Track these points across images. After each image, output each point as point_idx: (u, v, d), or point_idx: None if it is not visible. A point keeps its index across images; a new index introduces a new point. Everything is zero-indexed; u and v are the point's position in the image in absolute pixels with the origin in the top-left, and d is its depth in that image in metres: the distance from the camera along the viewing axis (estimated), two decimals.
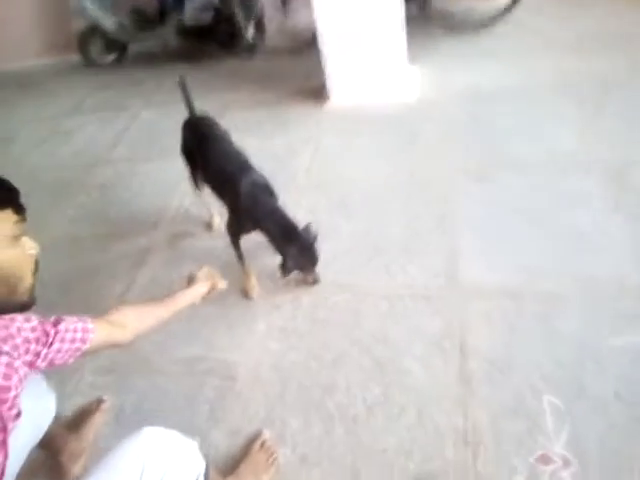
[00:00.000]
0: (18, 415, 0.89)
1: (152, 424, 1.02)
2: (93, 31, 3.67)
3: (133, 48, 3.86)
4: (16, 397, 0.86)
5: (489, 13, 3.06)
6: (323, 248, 1.88)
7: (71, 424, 1.50)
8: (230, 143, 1.82)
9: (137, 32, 3.63)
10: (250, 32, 3.40)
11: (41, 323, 0.95)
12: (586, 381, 1.32)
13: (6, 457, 0.83)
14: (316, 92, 2.87)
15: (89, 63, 3.91)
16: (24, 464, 1.12)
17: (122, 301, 1.32)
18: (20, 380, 0.87)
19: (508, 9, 3.01)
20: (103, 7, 3.53)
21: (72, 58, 4.14)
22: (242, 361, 1.60)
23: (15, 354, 0.87)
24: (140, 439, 0.97)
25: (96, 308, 1.89)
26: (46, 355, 0.93)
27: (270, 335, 1.66)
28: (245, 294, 1.81)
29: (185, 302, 1.27)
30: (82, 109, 3.50)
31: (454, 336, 1.54)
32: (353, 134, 2.50)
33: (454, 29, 3.11)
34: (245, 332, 1.68)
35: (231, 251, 1.78)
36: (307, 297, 1.74)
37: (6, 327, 0.87)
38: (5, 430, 0.82)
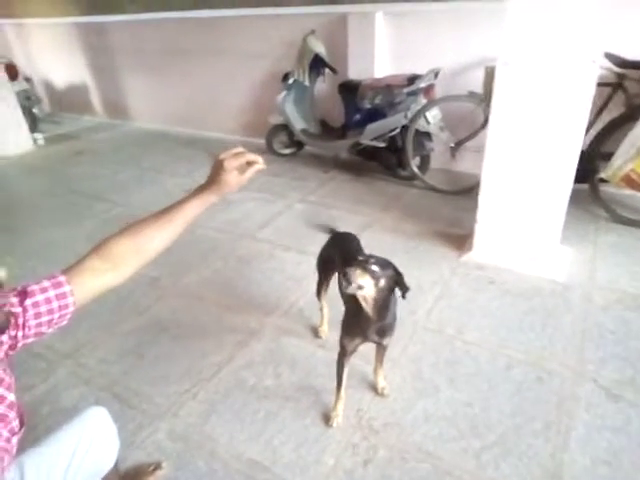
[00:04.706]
0: (22, 425, 0.88)
1: None
2: (283, 128, 4.26)
3: (308, 148, 4.36)
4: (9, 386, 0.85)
5: None
6: (417, 405, 1.82)
7: (124, 479, 1.54)
8: None
9: (318, 139, 4.11)
10: (415, 165, 3.63)
11: (1, 310, 0.85)
12: None
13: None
14: (460, 240, 2.90)
15: (269, 151, 4.49)
16: None
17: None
18: (4, 370, 0.86)
19: None
20: (298, 112, 4.10)
21: (257, 142, 4.81)
22: None
23: None
24: None
25: (193, 369, 2.04)
26: (25, 335, 0.88)
27: (335, 474, 1.58)
28: (326, 419, 1.78)
29: (193, 215, 1.06)
30: (248, 187, 3.92)
31: None
32: (484, 294, 2.44)
33: (622, 221, 2.96)
34: (313, 460, 1.63)
35: (331, 367, 1.77)
36: (384, 450, 1.65)
37: None
38: None
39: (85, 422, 1.17)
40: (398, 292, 1.53)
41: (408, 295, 2.27)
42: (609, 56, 2.69)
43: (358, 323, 1.60)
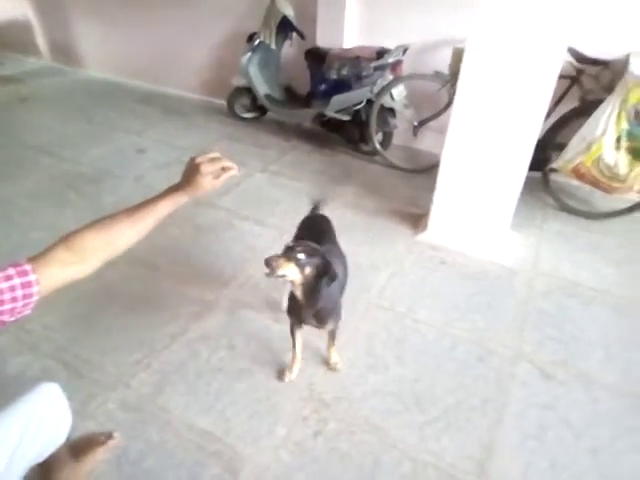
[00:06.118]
0: None
1: None
2: (246, 91, 4.12)
3: (271, 114, 4.24)
4: None
5: (610, 207, 3.04)
6: (368, 380, 1.90)
7: (74, 449, 1.49)
8: (335, 245, 1.93)
9: (281, 106, 4.01)
10: (377, 140, 3.64)
11: None
12: None
13: None
14: (415, 219, 2.97)
15: (230, 114, 4.36)
16: None
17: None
18: None
19: (632, 209, 2.90)
20: (263, 76, 3.97)
21: (218, 103, 4.65)
22: (250, 459, 1.59)
23: None
24: None
25: (146, 340, 2.02)
26: None
27: (286, 445, 1.64)
28: (279, 374, 1.86)
29: (165, 213, 1.06)
30: (208, 151, 3.86)
31: None
32: (435, 274, 2.54)
33: (568, 210, 3.13)
34: (265, 431, 1.68)
35: (286, 341, 1.84)
36: (334, 423, 1.73)
37: None
38: None
39: (36, 399, 1.14)
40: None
41: (364, 272, 2.30)
42: (570, 50, 2.76)
43: (295, 306, 1.66)
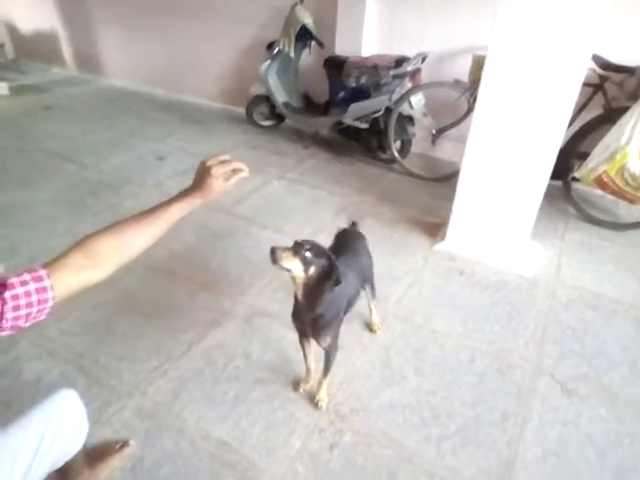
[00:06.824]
0: None
1: None
2: (264, 99, 4.15)
3: (289, 122, 4.26)
4: None
5: (634, 217, 2.97)
6: (384, 392, 1.88)
7: (90, 456, 1.50)
8: (355, 258, 1.89)
9: (299, 114, 4.02)
10: (396, 148, 3.63)
11: None
12: None
13: None
14: (433, 228, 2.94)
15: (248, 121, 4.40)
16: None
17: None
18: None
19: None
20: (281, 84, 4.00)
21: (236, 111, 4.70)
22: (265, 471, 1.58)
23: None
24: None
25: (163, 347, 2.03)
26: (2, 328, 0.86)
27: (301, 457, 1.63)
28: (295, 384, 1.88)
29: (177, 217, 1.06)
30: (219, 154, 3.89)
31: None
32: (453, 284, 2.50)
33: (590, 220, 3.06)
34: (281, 442, 1.67)
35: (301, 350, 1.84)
36: (350, 435, 1.70)
37: None
38: None
39: (54, 406, 1.15)
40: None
41: (381, 282, 2.28)
42: (594, 57, 2.72)
43: (296, 308, 1.65)
